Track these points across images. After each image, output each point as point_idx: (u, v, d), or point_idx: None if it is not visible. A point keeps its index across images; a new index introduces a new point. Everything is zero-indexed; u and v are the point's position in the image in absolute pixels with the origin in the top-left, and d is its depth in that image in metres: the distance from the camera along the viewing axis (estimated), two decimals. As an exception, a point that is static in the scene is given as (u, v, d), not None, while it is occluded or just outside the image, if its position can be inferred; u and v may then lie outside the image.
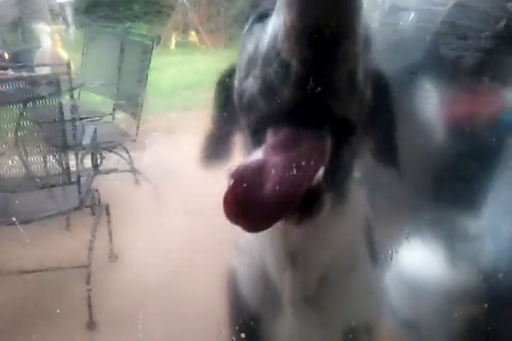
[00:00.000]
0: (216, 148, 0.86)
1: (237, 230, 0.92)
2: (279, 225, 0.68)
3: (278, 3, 0.59)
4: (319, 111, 0.62)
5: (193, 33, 2.74)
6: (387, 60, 0.73)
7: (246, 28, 0.77)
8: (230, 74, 0.80)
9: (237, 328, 0.86)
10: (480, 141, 1.03)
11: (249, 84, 0.68)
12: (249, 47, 0.71)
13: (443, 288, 1.17)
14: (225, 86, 0.80)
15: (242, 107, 0.72)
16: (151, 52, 2.39)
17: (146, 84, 2.37)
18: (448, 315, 1.13)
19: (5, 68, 2.18)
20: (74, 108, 2.00)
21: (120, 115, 2.67)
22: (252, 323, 0.83)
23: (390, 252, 0.87)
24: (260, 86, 0.65)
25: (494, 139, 1.00)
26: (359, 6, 0.57)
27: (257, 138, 0.69)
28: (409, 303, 1.20)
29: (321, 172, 0.62)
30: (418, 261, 1.14)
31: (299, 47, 0.57)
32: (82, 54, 2.69)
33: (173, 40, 2.86)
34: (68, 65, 2.03)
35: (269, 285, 0.81)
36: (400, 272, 1.11)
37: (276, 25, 0.60)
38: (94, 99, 2.71)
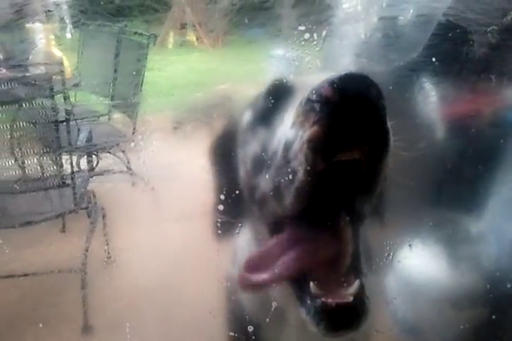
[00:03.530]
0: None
1: (233, 243, 0.91)
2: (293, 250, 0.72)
3: (294, 117, 0.61)
4: (335, 209, 0.67)
5: (190, 32, 2.71)
6: (386, 56, 0.70)
7: (248, 113, 0.78)
8: (224, 141, 0.82)
9: (236, 332, 0.87)
10: (483, 141, 1.00)
11: (262, 184, 0.71)
12: (255, 146, 0.73)
13: (445, 292, 1.15)
14: (222, 153, 0.82)
15: (254, 200, 0.74)
16: (148, 51, 2.36)
17: (142, 83, 2.34)
18: (450, 318, 1.12)
19: (-1, 68, 2.15)
20: (68, 108, 1.97)
21: (117, 115, 2.65)
22: (251, 329, 0.83)
23: (392, 255, 0.86)
24: (272, 189, 0.67)
25: (501, 140, 0.97)
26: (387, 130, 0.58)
27: (271, 227, 0.73)
28: (411, 307, 1.18)
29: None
30: (420, 263, 1.12)
31: (312, 157, 0.58)
32: (78, 53, 2.67)
33: (171, 40, 2.83)
34: (61, 64, 2.00)
35: (275, 302, 0.81)
36: (403, 275, 1.09)
37: (287, 135, 0.62)
38: (90, 99, 2.68)
